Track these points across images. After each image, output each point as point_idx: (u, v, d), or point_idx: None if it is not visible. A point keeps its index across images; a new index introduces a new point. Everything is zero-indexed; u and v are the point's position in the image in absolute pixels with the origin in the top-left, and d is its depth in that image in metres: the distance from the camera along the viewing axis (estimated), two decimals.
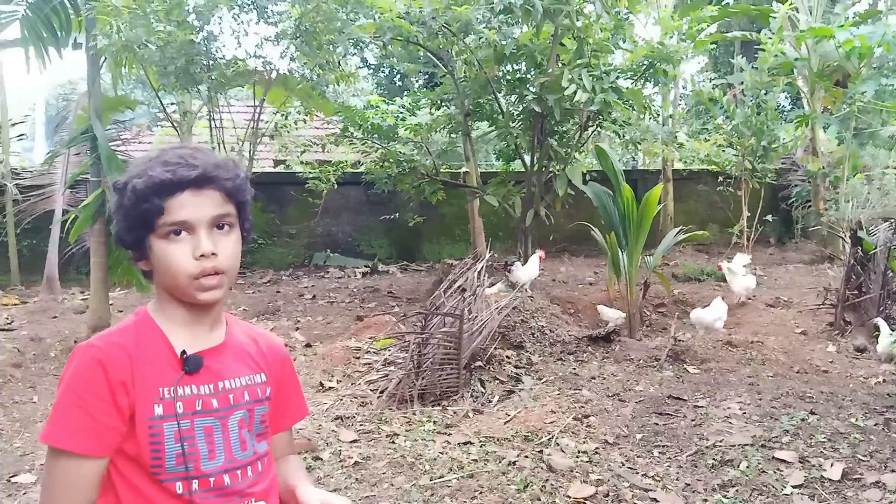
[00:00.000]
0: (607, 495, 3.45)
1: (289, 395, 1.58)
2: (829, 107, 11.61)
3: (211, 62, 7.65)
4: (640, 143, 9.71)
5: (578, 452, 3.91)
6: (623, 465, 3.79)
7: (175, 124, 8.95)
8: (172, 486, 1.31)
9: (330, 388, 5.09)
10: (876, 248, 6.47)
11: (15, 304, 8.95)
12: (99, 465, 1.29)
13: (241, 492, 1.38)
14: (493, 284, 6.75)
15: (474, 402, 4.78)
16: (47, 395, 5.33)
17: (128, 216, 1.33)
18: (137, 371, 1.30)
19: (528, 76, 8.37)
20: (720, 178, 11.32)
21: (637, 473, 3.69)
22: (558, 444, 4.02)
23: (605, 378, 5.27)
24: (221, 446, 1.36)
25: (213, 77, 7.55)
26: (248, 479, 1.40)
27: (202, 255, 1.31)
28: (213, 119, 8.43)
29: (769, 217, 11.14)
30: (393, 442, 4.09)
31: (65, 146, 8.57)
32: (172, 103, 9.49)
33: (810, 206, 12.07)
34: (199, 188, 1.32)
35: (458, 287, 5.29)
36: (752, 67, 9.74)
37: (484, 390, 4.96)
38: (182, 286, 1.33)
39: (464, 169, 11.26)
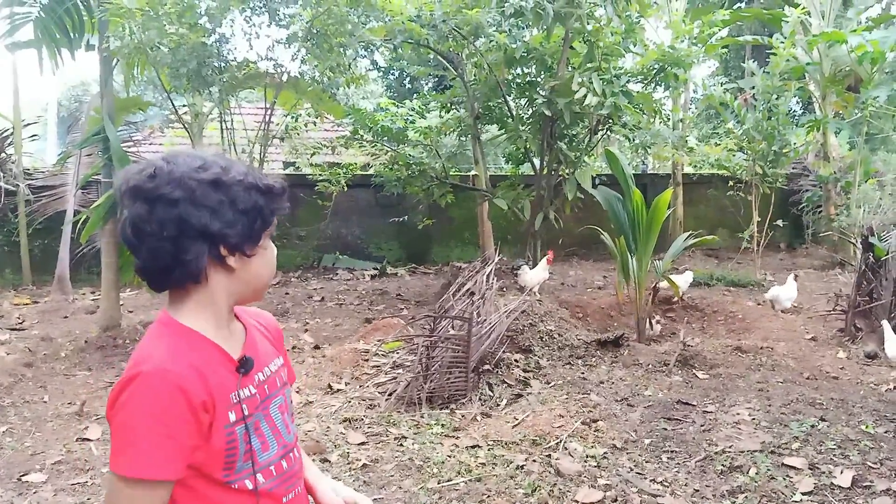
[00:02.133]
0: (615, 500, 3.44)
1: (286, 365, 1.63)
2: (840, 111, 11.56)
3: (222, 64, 7.69)
4: (650, 147, 9.70)
5: (587, 457, 3.90)
6: (631, 470, 3.78)
7: (186, 126, 8.99)
8: (243, 485, 1.34)
9: (338, 390, 5.10)
10: (888, 253, 6.43)
11: (26, 304, 9.02)
12: (171, 487, 1.28)
13: (296, 473, 1.45)
14: (503, 288, 6.75)
15: (482, 405, 4.78)
16: (58, 394, 5.36)
17: (259, 210, 1.34)
18: (212, 385, 1.29)
19: (539, 79, 8.38)
20: (730, 183, 11.28)
21: (645, 479, 3.68)
22: (566, 449, 4.01)
23: (613, 382, 5.26)
24: (271, 435, 1.41)
25: (224, 79, 7.59)
26: (297, 460, 1.48)
27: None
28: (224, 121, 8.46)
29: (779, 222, 11.07)
30: (401, 444, 4.09)
31: (77, 147, 8.64)
32: (184, 105, 9.54)
33: (821, 212, 12.01)
34: None
35: (467, 290, 5.30)
36: (764, 72, 9.70)
37: (492, 394, 4.95)
38: (266, 285, 1.42)
39: (473, 172, 11.26)
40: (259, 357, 1.44)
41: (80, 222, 7.16)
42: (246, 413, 1.35)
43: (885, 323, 5.92)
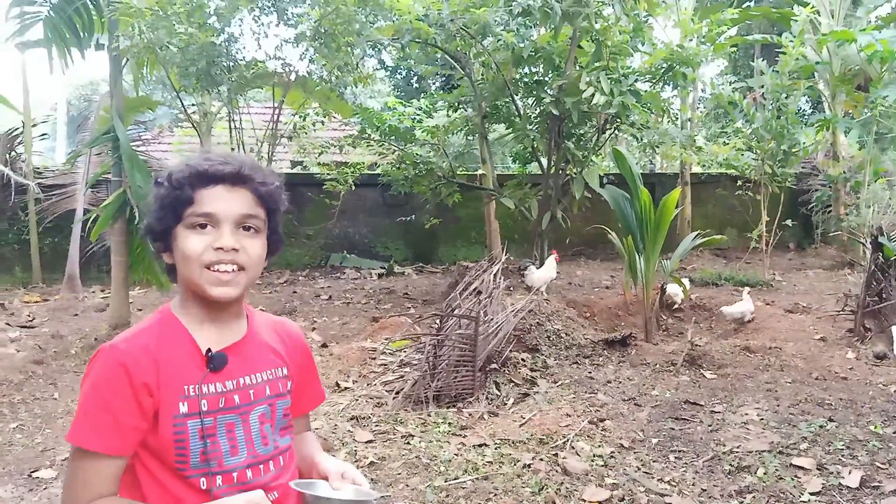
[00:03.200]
0: (622, 499, 3.44)
1: (308, 382, 1.61)
2: (850, 111, 11.49)
3: (231, 64, 7.72)
4: (657, 147, 9.67)
5: (594, 456, 3.90)
6: (639, 469, 3.78)
7: (195, 125, 9.03)
8: (197, 482, 1.33)
9: (346, 388, 5.11)
10: None
11: (37, 302, 9.08)
12: (119, 464, 1.31)
13: (265, 485, 1.39)
14: (510, 288, 6.75)
15: (489, 404, 4.78)
16: (68, 391, 5.40)
17: (161, 205, 1.36)
18: (162, 370, 1.31)
19: (546, 79, 8.37)
20: (739, 182, 11.24)
21: (653, 478, 3.67)
22: (573, 448, 4.01)
23: (620, 382, 5.25)
24: (243, 441, 1.38)
25: (233, 78, 7.62)
26: (269, 473, 1.42)
27: (220, 248, 1.32)
28: (233, 120, 8.50)
29: (788, 222, 11.02)
30: (408, 443, 4.10)
31: (87, 146, 8.69)
32: (193, 104, 9.58)
33: (830, 211, 11.95)
34: (231, 185, 1.35)
35: (474, 289, 5.30)
36: (773, 70, 9.66)
37: (499, 392, 4.96)
38: (195, 277, 1.33)
39: (480, 171, 11.27)
40: (249, 361, 1.43)
41: (90, 221, 7.20)
42: (204, 408, 1.33)
43: (894, 329, 5.91)
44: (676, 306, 7.44)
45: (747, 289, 7.77)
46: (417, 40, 8.00)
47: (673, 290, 7.30)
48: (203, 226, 1.33)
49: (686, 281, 8.09)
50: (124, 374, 1.27)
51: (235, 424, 1.37)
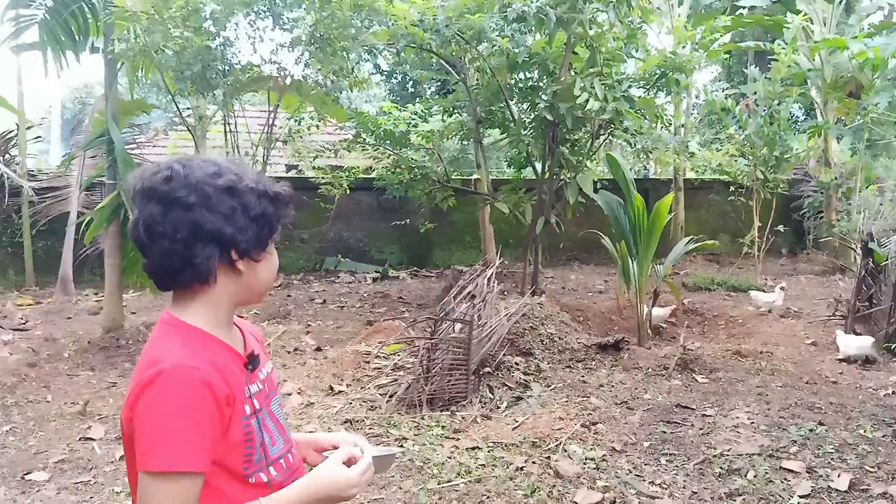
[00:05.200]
0: (614, 502, 3.46)
1: None
2: (842, 118, 11.58)
3: (227, 68, 7.74)
4: (651, 152, 9.71)
5: (586, 459, 3.93)
6: (630, 472, 3.81)
7: (190, 128, 9.04)
8: (259, 478, 1.38)
9: (340, 391, 5.13)
10: (887, 259, 6.45)
11: (30, 305, 9.06)
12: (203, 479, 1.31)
13: (298, 468, 1.49)
14: (503, 292, 6.76)
15: (483, 407, 4.80)
16: (61, 394, 5.39)
17: (268, 217, 1.40)
18: (230, 380, 1.34)
19: (541, 84, 8.41)
20: (732, 188, 11.31)
21: (644, 481, 3.70)
22: (566, 451, 4.03)
23: (613, 386, 5.28)
24: (276, 431, 1.46)
25: (228, 82, 7.63)
26: (296, 456, 1.52)
27: None
28: (228, 124, 8.51)
29: (781, 227, 11.09)
30: (401, 446, 4.12)
31: (81, 149, 8.69)
32: (188, 108, 9.59)
33: (822, 217, 12.02)
34: None
35: (468, 293, 5.32)
36: (766, 77, 9.73)
37: (492, 396, 4.98)
38: (268, 289, 1.49)
39: (475, 176, 11.29)
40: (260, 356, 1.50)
41: (84, 224, 7.20)
42: (257, 407, 1.40)
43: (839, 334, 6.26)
44: (659, 326, 7.41)
45: (783, 283, 8.18)
46: (413, 45, 8.03)
47: (658, 312, 7.24)
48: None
49: (667, 310, 8.12)
50: (209, 391, 1.28)
51: (266, 417, 1.44)
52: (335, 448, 1.55)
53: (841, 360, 6.00)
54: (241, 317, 1.58)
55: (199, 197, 1.32)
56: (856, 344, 6.01)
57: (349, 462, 1.44)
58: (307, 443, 1.63)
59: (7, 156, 10.53)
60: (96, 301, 9.06)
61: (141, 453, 1.26)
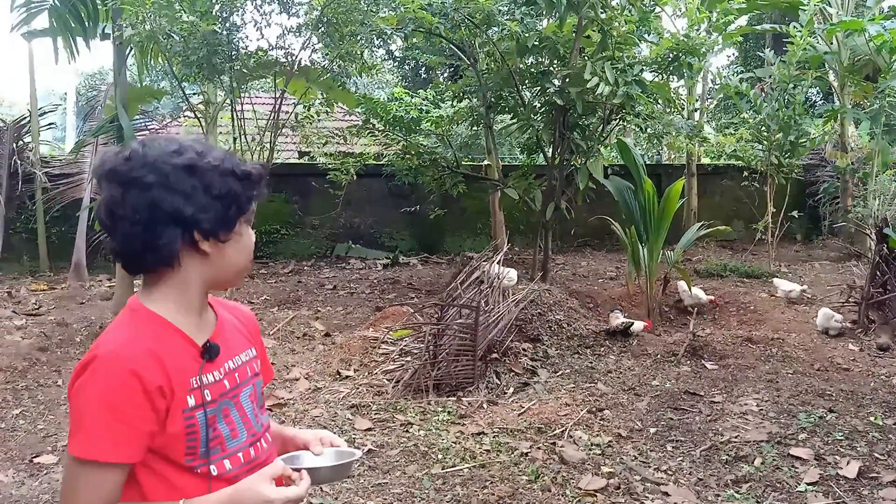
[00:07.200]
0: (618, 488, 3.45)
1: (264, 362, 1.63)
2: (859, 102, 11.39)
3: (234, 53, 7.70)
4: (662, 137, 9.61)
5: (591, 445, 3.91)
6: (636, 458, 3.79)
7: (198, 115, 9.03)
8: (206, 469, 1.35)
9: (347, 376, 5.14)
10: None
11: (43, 290, 9.13)
12: (127, 469, 1.30)
13: (263, 462, 1.43)
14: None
15: (489, 393, 4.80)
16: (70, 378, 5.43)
17: (235, 198, 1.35)
18: (169, 369, 1.30)
19: (551, 69, 8.32)
20: (745, 174, 11.17)
21: (649, 467, 3.68)
22: (571, 437, 4.02)
23: (621, 372, 5.26)
24: (241, 423, 1.42)
25: (235, 68, 7.60)
26: (264, 450, 1.47)
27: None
28: (236, 110, 8.49)
29: (795, 213, 10.95)
30: (407, 431, 4.12)
31: (91, 135, 8.72)
32: (196, 93, 9.58)
33: (838, 203, 11.85)
34: None
35: (476, 279, 5.30)
36: (780, 61, 9.58)
37: (499, 382, 4.97)
38: (242, 272, 1.44)
39: (486, 162, 11.24)
40: (228, 346, 1.44)
41: (96, 210, 7.22)
42: (208, 399, 1.35)
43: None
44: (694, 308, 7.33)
45: (805, 286, 8.09)
46: (421, 29, 7.96)
47: (699, 293, 7.22)
48: (249, 221, 1.42)
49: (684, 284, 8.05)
50: (137, 382, 1.25)
51: (230, 408, 1.40)
52: (306, 448, 1.53)
53: (821, 333, 6.29)
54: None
55: (157, 176, 1.29)
56: (827, 315, 6.34)
57: (280, 481, 1.37)
58: (281, 439, 1.59)
59: (21, 142, 10.59)
60: (109, 286, 9.12)
61: (69, 435, 1.27)
